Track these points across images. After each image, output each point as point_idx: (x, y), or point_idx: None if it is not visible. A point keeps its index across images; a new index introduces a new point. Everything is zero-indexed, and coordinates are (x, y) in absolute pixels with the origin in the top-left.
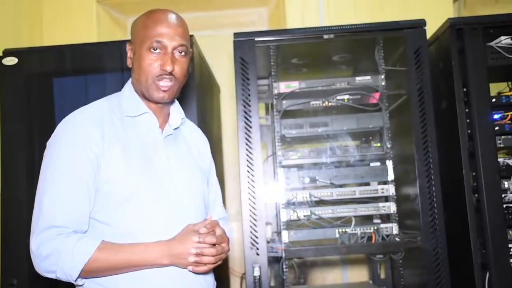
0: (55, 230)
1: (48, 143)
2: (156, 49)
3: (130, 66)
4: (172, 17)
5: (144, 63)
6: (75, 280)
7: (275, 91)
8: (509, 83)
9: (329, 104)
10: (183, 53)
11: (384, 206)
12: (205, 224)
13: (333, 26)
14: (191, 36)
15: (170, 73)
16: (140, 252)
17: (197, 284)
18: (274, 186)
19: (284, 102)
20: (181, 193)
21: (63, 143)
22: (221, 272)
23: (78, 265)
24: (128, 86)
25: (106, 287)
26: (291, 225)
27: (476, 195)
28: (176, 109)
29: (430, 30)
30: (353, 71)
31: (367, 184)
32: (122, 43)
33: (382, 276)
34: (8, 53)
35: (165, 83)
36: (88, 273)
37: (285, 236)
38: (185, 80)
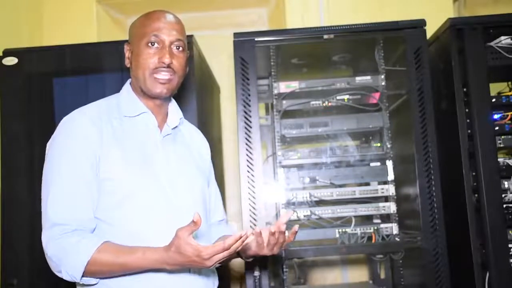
0: (58, 228)
1: (48, 144)
2: (154, 44)
3: (128, 65)
4: (168, 15)
5: (142, 57)
6: (80, 280)
7: (275, 91)
8: (509, 83)
9: (329, 104)
10: (180, 49)
11: (384, 206)
12: (194, 229)
13: (333, 26)
14: (191, 36)
15: (169, 66)
16: (138, 258)
17: (200, 283)
18: (274, 186)
19: (284, 102)
20: (180, 192)
21: (62, 142)
22: (221, 272)
23: (78, 266)
24: (126, 87)
25: (109, 286)
26: (291, 225)
27: (476, 195)
28: (174, 109)
29: (430, 30)
30: (353, 71)
31: (367, 184)
32: (122, 43)
33: (382, 276)
34: (8, 53)
35: (163, 76)
36: (91, 274)
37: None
38: (183, 77)
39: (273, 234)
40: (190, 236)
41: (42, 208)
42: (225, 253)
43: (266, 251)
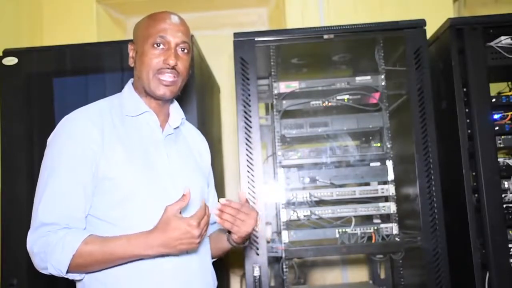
0: (46, 227)
1: (48, 141)
2: (159, 45)
3: (132, 65)
4: (174, 17)
5: (147, 58)
6: (66, 274)
7: (275, 91)
8: (509, 83)
9: (329, 104)
10: (185, 51)
11: (384, 206)
12: (183, 205)
13: (333, 26)
14: (191, 36)
15: (173, 68)
16: (123, 245)
17: (197, 282)
18: (274, 186)
19: (284, 102)
20: (181, 191)
21: (62, 141)
22: (221, 272)
23: (64, 259)
24: (128, 87)
25: (105, 283)
26: (291, 225)
27: (476, 195)
28: (175, 109)
29: (430, 30)
30: (353, 71)
31: (367, 184)
32: (122, 43)
33: (382, 276)
34: (8, 53)
35: (167, 78)
36: (77, 267)
37: (285, 236)
38: (186, 79)
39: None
40: (178, 211)
41: (33, 207)
42: (206, 218)
43: (241, 229)
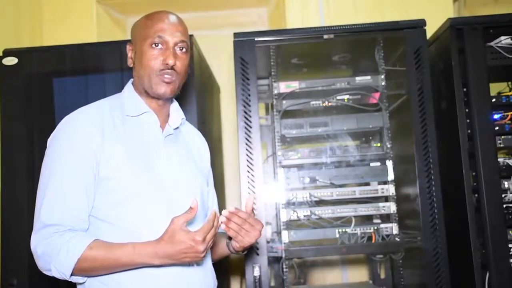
0: (50, 228)
1: (48, 142)
2: (157, 45)
3: (131, 65)
4: (172, 16)
5: (146, 58)
6: (70, 278)
7: (275, 91)
8: (509, 83)
9: (329, 104)
10: (183, 50)
11: (384, 206)
12: (190, 217)
13: (333, 26)
14: (191, 36)
15: (172, 68)
16: (129, 253)
17: (198, 283)
18: (274, 186)
19: (284, 102)
20: (181, 191)
21: (62, 141)
22: (221, 272)
23: (69, 263)
24: (128, 87)
25: (108, 285)
26: (291, 225)
27: (476, 195)
28: (175, 109)
29: (430, 30)
30: (353, 71)
31: (367, 184)
32: (122, 43)
33: (382, 276)
34: (8, 53)
35: (168, 76)
36: (81, 271)
37: (285, 236)
38: (185, 78)
39: (234, 214)
40: (184, 224)
41: (35, 208)
42: (212, 231)
43: (245, 239)
